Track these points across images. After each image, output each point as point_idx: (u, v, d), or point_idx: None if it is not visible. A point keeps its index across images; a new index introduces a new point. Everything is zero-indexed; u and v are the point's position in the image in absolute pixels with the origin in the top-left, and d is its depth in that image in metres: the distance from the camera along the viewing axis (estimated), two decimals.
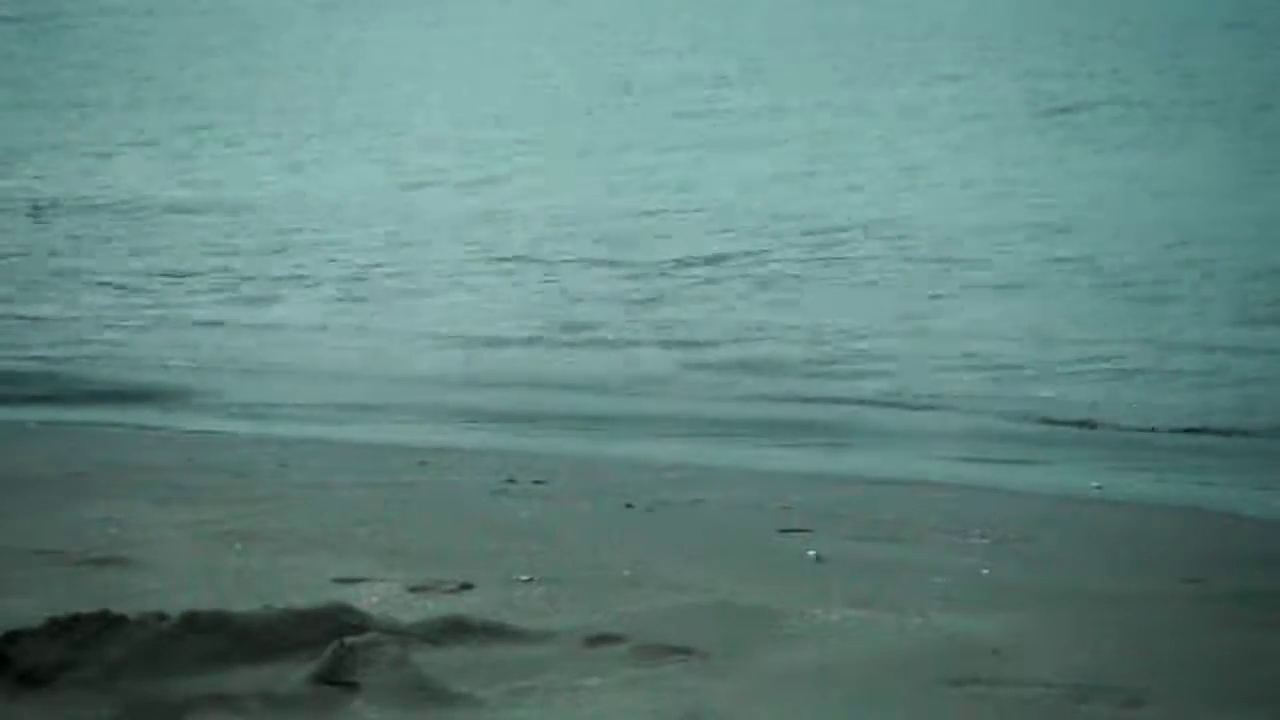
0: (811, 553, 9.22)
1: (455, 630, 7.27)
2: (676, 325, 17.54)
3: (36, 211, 24.27)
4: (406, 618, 7.36)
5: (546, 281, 19.95)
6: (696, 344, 16.79)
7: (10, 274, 21.30)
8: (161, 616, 6.96)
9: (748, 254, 20.76)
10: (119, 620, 6.86)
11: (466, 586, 8.20)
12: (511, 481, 11.37)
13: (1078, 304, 17.93)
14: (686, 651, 7.16)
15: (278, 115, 35.09)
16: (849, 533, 9.97)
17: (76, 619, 6.83)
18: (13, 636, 6.77)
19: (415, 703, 6.55)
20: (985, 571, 8.94)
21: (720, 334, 17.19)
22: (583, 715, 6.53)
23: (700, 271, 20.12)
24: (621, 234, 22.31)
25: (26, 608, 7.34)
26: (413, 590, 8.10)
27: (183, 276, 20.94)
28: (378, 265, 21.26)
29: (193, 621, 6.93)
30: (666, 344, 16.80)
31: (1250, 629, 7.90)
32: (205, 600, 7.38)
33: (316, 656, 6.77)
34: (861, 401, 14.72)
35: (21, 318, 18.98)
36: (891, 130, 30.24)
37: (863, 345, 16.59)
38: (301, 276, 20.83)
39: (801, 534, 9.78)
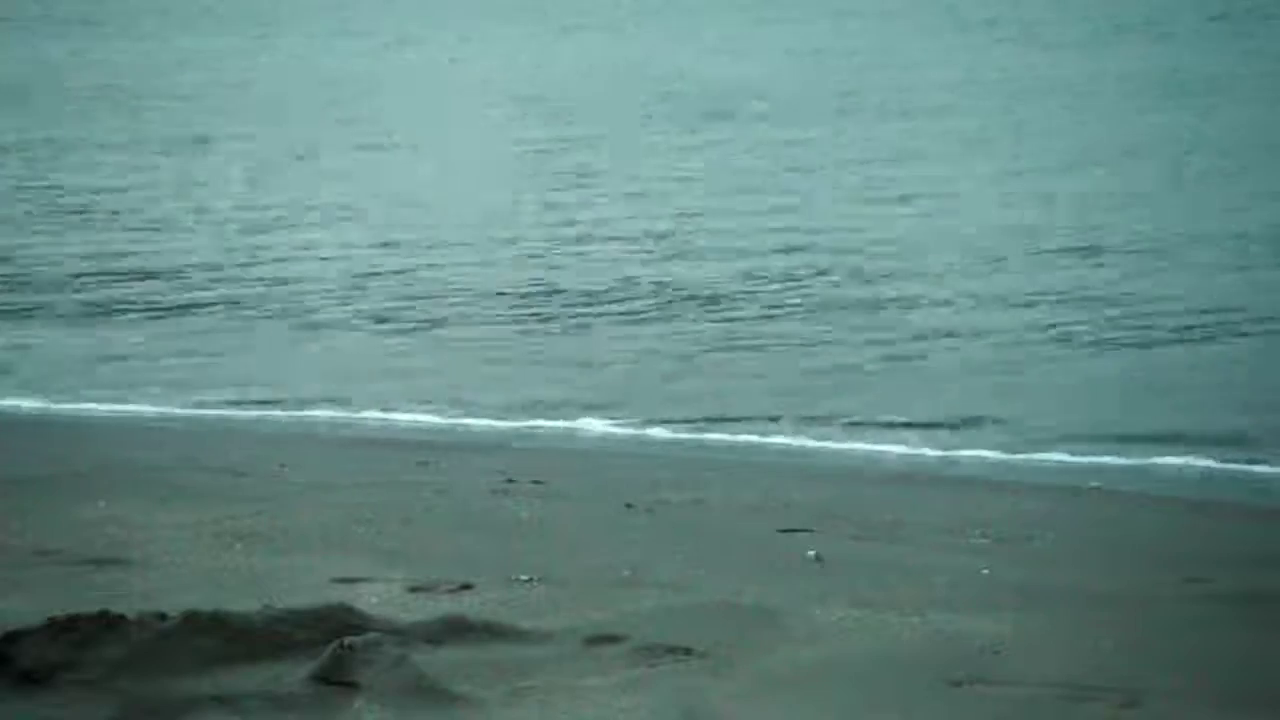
0: (811, 553, 9.22)
1: (455, 630, 7.27)
2: None
3: None
4: (406, 618, 7.36)
5: None
6: None
7: None
8: (161, 616, 6.96)
9: None
10: (119, 620, 6.86)
11: (466, 586, 8.19)
12: (511, 481, 11.37)
13: None
14: (686, 651, 7.16)
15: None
16: (849, 533, 9.97)
17: (76, 619, 6.83)
18: (13, 636, 6.77)
19: (415, 703, 6.55)
20: (985, 571, 8.94)
21: None
22: (582, 715, 6.53)
23: None
24: None
25: (26, 608, 7.34)
26: (413, 590, 8.10)
27: None
28: None
29: (193, 621, 6.93)
30: None
31: (1250, 629, 7.90)
32: (205, 600, 7.37)
33: (316, 656, 6.77)
34: None
35: None
36: None
37: None
38: None
39: (801, 534, 9.78)
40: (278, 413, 14.95)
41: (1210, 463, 12.80)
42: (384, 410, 14.94)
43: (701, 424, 14.36)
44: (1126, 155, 27.04)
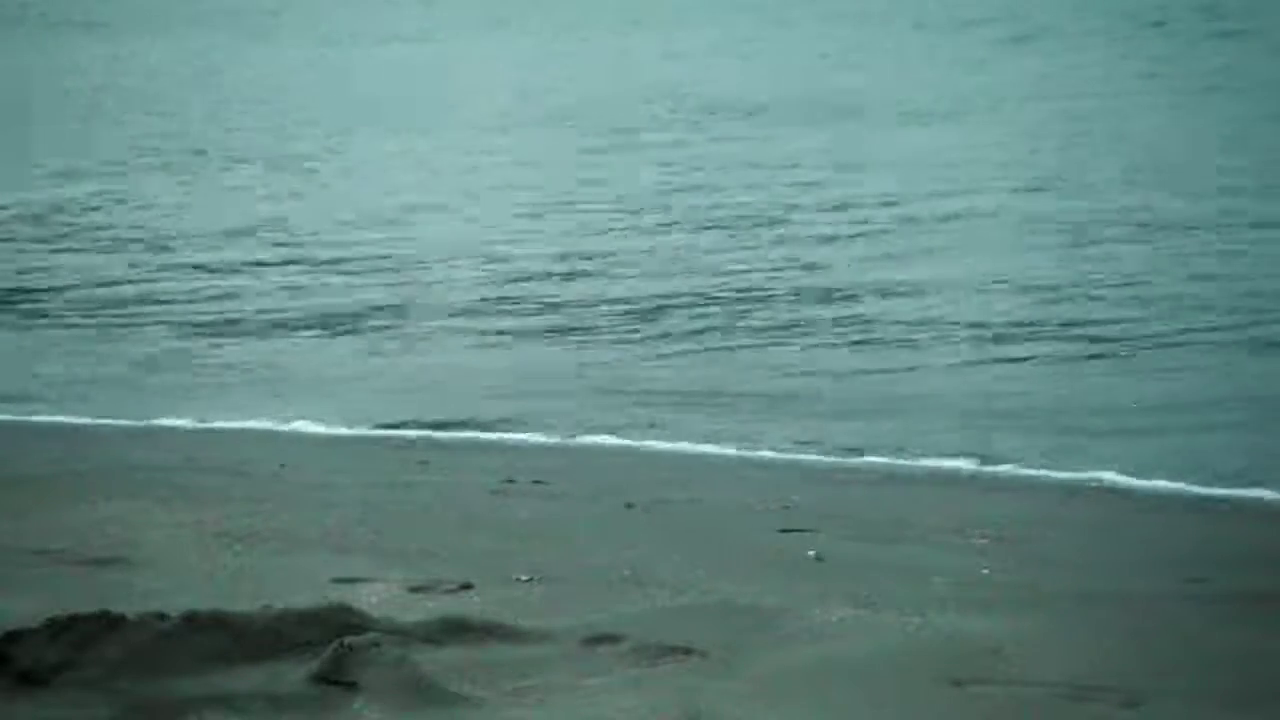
0: (811, 553, 9.23)
1: (455, 630, 7.28)
2: None
3: None
4: (406, 618, 7.36)
5: None
6: None
7: None
8: (161, 616, 6.97)
9: None
10: (119, 620, 6.86)
11: (466, 586, 8.20)
12: (511, 481, 11.37)
13: None
14: (686, 651, 7.16)
15: None
16: (849, 533, 9.97)
17: (76, 619, 6.83)
18: (13, 636, 6.78)
19: (415, 703, 6.56)
20: (985, 571, 8.95)
21: None
22: (582, 715, 6.53)
23: None
24: None
25: (26, 608, 7.34)
26: (413, 590, 8.11)
27: None
28: None
29: (193, 621, 6.94)
30: None
31: (1250, 629, 7.91)
32: (205, 600, 7.38)
33: (316, 656, 6.78)
34: None
35: None
36: None
37: None
38: None
39: (801, 534, 9.78)
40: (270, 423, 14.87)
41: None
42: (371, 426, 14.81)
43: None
44: (1127, 155, 27.05)
